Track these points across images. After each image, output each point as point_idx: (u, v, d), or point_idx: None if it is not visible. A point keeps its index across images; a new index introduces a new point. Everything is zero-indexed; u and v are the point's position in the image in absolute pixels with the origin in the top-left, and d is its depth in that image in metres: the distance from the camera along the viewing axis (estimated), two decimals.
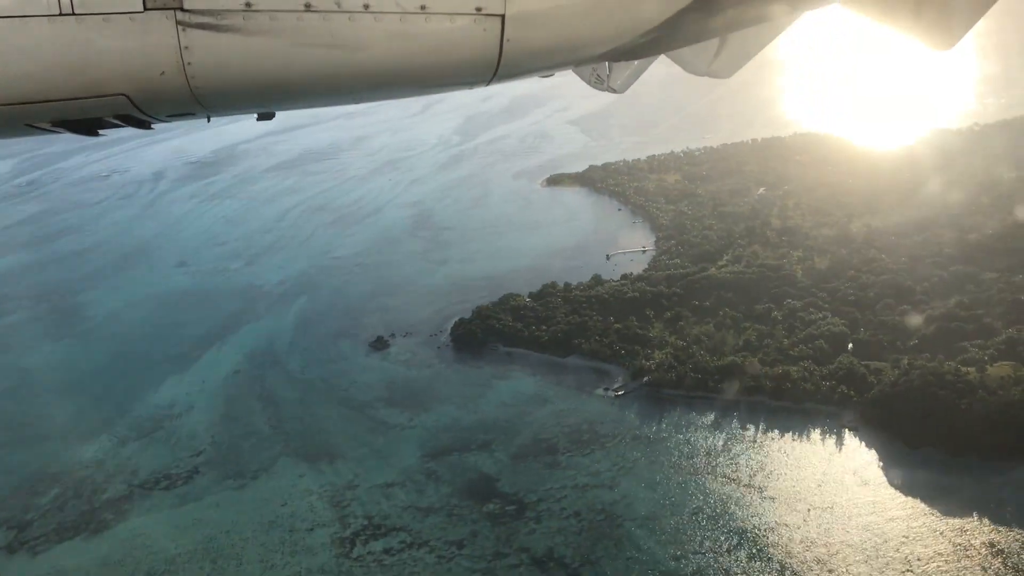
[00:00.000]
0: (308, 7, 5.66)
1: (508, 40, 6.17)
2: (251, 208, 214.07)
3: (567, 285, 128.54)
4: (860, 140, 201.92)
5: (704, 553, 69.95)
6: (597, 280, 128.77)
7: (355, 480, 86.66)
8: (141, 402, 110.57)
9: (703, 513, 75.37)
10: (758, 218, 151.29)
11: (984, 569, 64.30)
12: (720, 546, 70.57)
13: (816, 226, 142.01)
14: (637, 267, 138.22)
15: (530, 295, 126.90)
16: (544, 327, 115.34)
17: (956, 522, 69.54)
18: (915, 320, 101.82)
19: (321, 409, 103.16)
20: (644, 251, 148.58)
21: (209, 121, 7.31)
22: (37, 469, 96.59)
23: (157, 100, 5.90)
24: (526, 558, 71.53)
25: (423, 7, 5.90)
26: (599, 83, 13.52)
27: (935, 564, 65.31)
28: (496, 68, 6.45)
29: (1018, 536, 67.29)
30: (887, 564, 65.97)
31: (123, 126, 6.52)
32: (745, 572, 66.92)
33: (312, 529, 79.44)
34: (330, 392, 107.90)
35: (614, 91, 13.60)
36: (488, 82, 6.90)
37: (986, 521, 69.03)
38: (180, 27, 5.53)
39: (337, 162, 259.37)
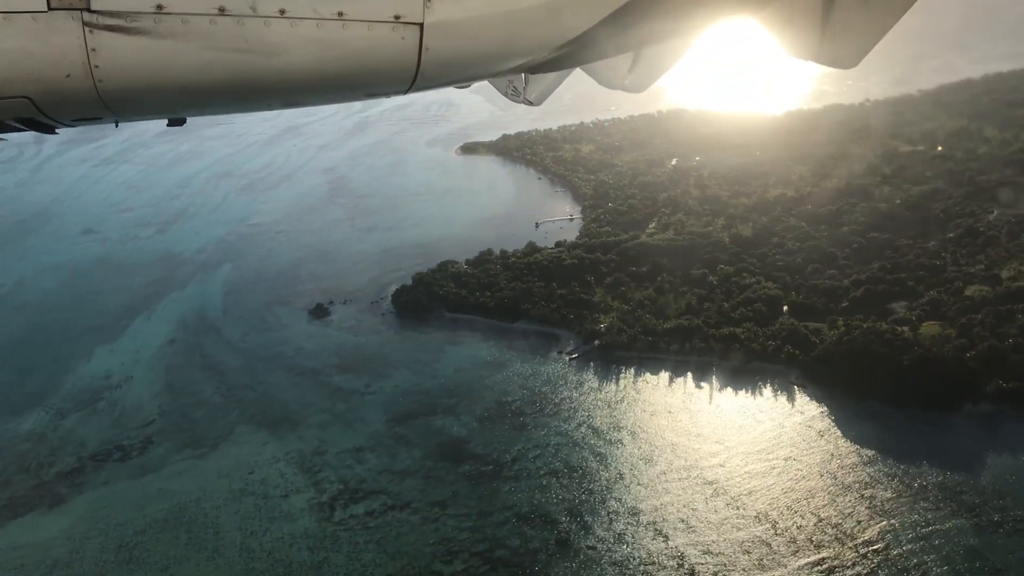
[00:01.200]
0: (222, 11, 5.49)
1: (427, 49, 6.12)
2: (150, 173, 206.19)
3: (504, 252, 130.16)
4: (758, 115, 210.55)
5: (683, 504, 73.39)
6: (533, 247, 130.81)
7: (322, 446, 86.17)
8: (72, 373, 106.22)
9: (675, 467, 78.85)
10: (678, 187, 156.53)
11: (938, 508, 70.10)
12: (697, 497, 74.17)
13: (735, 195, 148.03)
14: (568, 235, 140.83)
15: (467, 262, 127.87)
16: (488, 293, 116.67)
17: (908, 468, 75.21)
18: (843, 283, 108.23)
19: (271, 377, 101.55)
20: (572, 219, 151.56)
21: (117, 126, 7.17)
22: None
23: (62, 103, 5.64)
24: (512, 515, 73.17)
25: (340, 13, 5.79)
26: (515, 95, 13.55)
27: (896, 505, 70.66)
28: (414, 77, 6.40)
29: (963, 478, 73.38)
30: (853, 507, 70.99)
31: (25, 130, 6.22)
32: (726, 520, 70.68)
33: (287, 495, 78.74)
34: (276, 360, 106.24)
35: (530, 103, 13.61)
36: (406, 91, 6.83)
37: (935, 465, 74.98)
38: (87, 28, 5.30)
39: (233, 127, 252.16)
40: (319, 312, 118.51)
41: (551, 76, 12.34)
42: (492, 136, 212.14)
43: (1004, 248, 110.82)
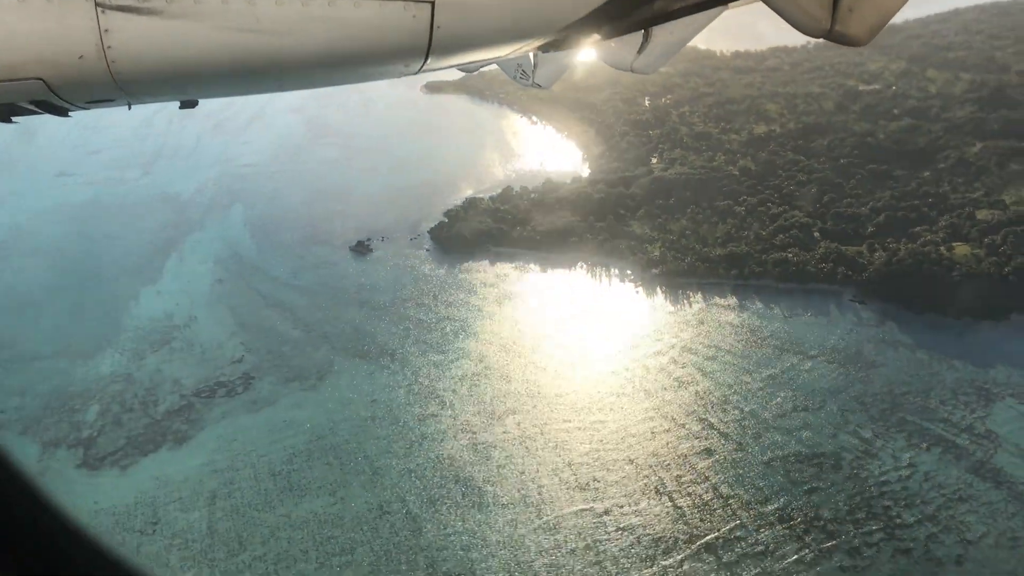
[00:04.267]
0: None
1: (438, 27, 6.13)
2: (103, 114, 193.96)
3: (524, 188, 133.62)
4: (705, 53, 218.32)
5: (798, 408, 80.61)
6: (553, 183, 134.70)
7: (433, 373, 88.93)
8: (128, 315, 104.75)
9: (772, 375, 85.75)
10: (665, 125, 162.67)
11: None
12: (806, 404, 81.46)
13: (724, 131, 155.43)
14: (576, 171, 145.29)
15: (492, 199, 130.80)
16: (530, 227, 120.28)
17: (985, 369, 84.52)
18: (862, 211, 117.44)
19: (344, 312, 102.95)
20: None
21: (130, 108, 7.09)
22: (55, 387, 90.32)
23: (76, 85, 5.67)
24: (648, 428, 78.44)
25: None
26: (524, 78, 13.56)
27: (987, 399, 79.61)
28: (426, 56, 6.41)
29: None
30: (949, 402, 79.66)
31: (38, 112, 6.28)
32: (845, 421, 78.31)
33: (422, 419, 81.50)
34: (340, 295, 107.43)
35: (539, 86, 13.72)
36: (418, 70, 6.88)
37: (1008, 366, 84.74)
38: (100, 9, 5.34)
39: None
40: (361, 249, 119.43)
41: (560, 58, 12.48)
42: (455, 74, 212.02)
43: (998, 176, 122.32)
